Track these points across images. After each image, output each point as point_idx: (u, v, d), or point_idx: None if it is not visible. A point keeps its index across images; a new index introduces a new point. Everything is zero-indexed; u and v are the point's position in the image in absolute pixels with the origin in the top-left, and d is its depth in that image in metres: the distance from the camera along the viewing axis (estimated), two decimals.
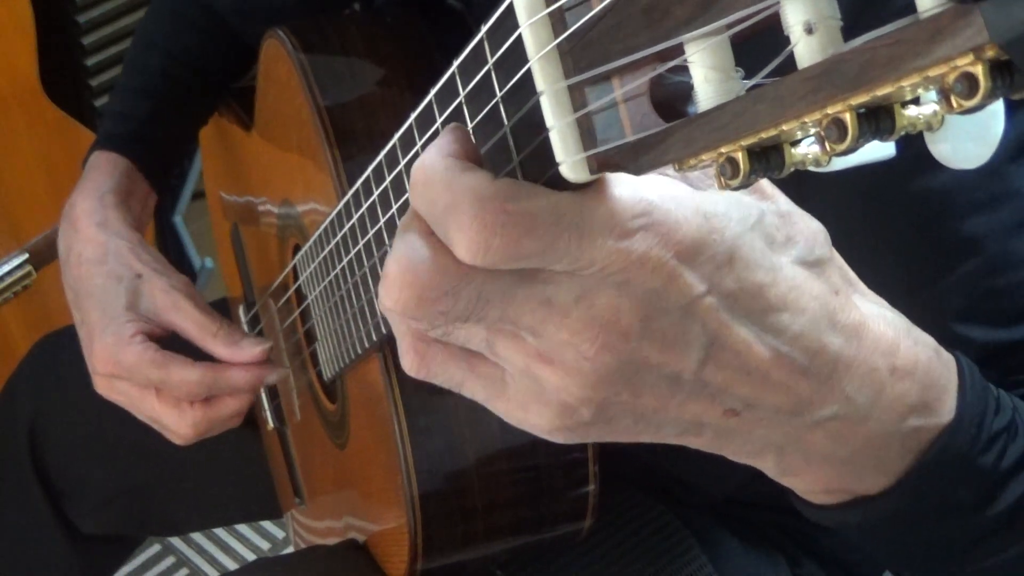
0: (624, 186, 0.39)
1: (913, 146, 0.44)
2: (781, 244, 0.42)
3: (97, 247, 0.91)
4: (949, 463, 0.49)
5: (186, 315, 0.88)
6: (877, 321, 0.45)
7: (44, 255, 1.20)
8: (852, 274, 0.46)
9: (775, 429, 0.45)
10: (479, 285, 0.39)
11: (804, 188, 0.63)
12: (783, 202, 0.43)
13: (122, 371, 0.87)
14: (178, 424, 0.88)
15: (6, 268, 1.19)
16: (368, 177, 0.59)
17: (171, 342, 0.89)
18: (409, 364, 0.44)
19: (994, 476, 0.51)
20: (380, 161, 0.56)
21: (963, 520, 0.52)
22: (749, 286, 0.40)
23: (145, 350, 0.87)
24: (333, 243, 0.70)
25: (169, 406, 0.88)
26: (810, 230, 0.43)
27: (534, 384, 0.41)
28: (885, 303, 0.47)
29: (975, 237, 0.59)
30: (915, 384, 0.47)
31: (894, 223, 0.62)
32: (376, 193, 0.58)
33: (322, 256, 0.75)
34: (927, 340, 0.48)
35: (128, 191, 0.97)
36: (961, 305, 0.61)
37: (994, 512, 0.52)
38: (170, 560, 1.80)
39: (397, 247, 0.41)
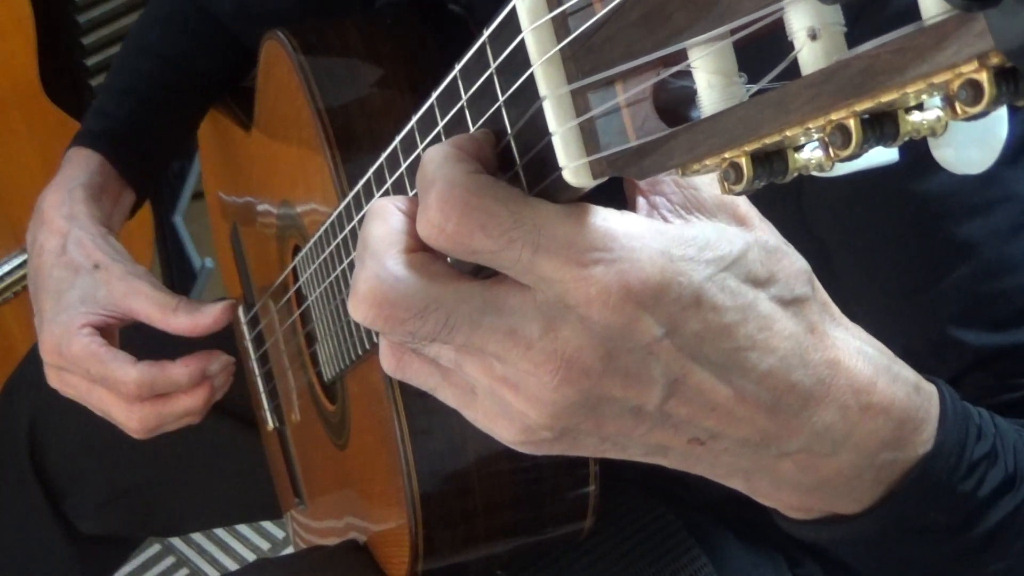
0: (593, 215, 0.39)
1: (910, 151, 0.44)
2: (761, 281, 0.42)
3: (58, 238, 0.91)
4: (926, 491, 0.49)
5: (144, 297, 0.87)
6: (855, 358, 0.45)
7: None
8: (835, 310, 0.46)
9: (741, 458, 0.45)
10: (447, 310, 0.40)
11: (803, 195, 0.64)
12: (771, 237, 0.43)
13: (67, 362, 0.87)
14: (127, 419, 0.87)
15: (6, 268, 1.19)
16: (369, 179, 0.59)
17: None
18: (386, 365, 0.45)
19: (973, 502, 0.51)
20: (382, 163, 0.56)
21: (942, 542, 0.53)
22: (715, 328, 0.40)
23: (90, 343, 0.86)
24: (334, 244, 0.70)
25: (117, 399, 0.86)
26: (794, 268, 0.43)
27: (500, 402, 0.42)
28: (868, 338, 0.47)
29: (970, 241, 0.59)
30: (889, 421, 0.47)
31: (890, 227, 0.62)
32: (377, 195, 0.58)
33: (322, 257, 0.75)
34: (907, 376, 0.48)
35: (100, 187, 0.96)
36: (956, 309, 0.61)
37: (974, 535, 0.52)
38: (170, 560, 1.79)
39: (368, 264, 0.41)
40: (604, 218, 0.39)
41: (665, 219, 0.41)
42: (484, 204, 0.39)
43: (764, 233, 0.43)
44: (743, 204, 0.42)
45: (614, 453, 0.44)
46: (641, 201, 0.41)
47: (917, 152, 0.39)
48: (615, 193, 0.42)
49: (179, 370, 0.85)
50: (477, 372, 0.42)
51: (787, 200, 0.64)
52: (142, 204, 1.04)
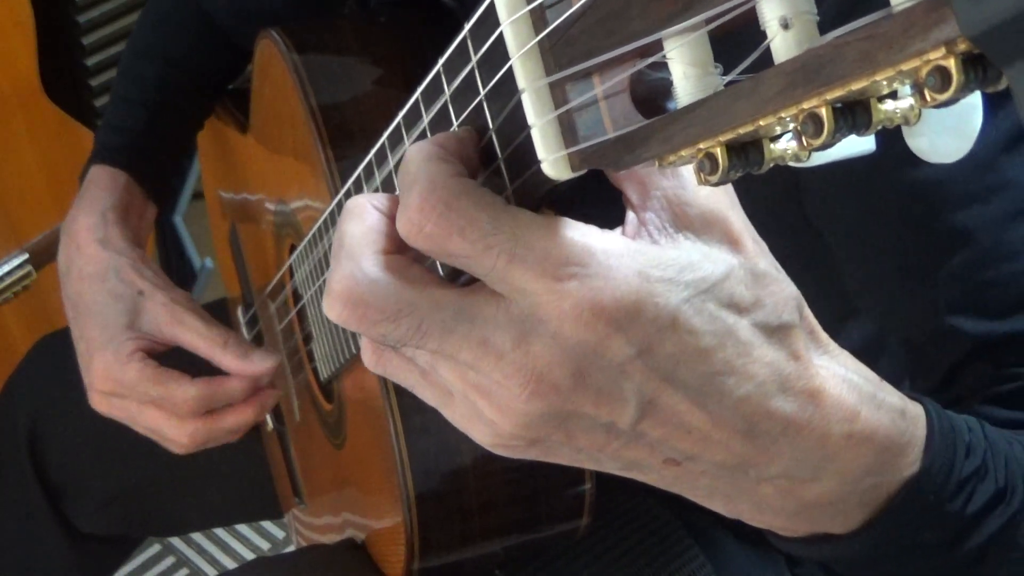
0: (573, 230, 0.39)
1: (904, 139, 0.43)
2: (743, 306, 0.41)
3: (99, 264, 0.92)
4: (914, 512, 0.49)
5: (190, 328, 0.89)
6: (839, 387, 0.44)
7: (44, 255, 1.20)
8: (822, 336, 0.45)
9: (720, 481, 0.44)
10: (420, 316, 0.40)
11: (802, 190, 0.63)
12: (763, 262, 0.42)
13: (122, 388, 0.89)
14: (177, 434, 0.89)
15: (6, 268, 1.20)
16: (359, 176, 0.59)
17: (172, 354, 0.90)
18: (367, 360, 0.45)
19: (964, 519, 0.51)
20: (371, 160, 0.56)
21: (934, 558, 0.52)
22: (691, 351, 0.40)
23: (144, 367, 0.88)
24: (326, 242, 0.70)
25: (169, 417, 0.89)
26: (783, 294, 0.42)
27: (473, 407, 0.42)
28: (854, 364, 0.47)
29: (967, 229, 0.59)
30: (873, 448, 0.46)
31: (888, 217, 0.62)
32: (366, 190, 0.58)
33: (316, 256, 0.75)
34: (892, 402, 0.47)
35: (127, 205, 0.98)
36: (954, 297, 0.61)
37: (966, 549, 0.51)
38: (170, 560, 1.79)
39: (345, 262, 0.42)
40: (584, 234, 0.39)
41: (651, 236, 0.40)
42: (464, 208, 0.39)
43: (754, 256, 0.42)
44: (737, 223, 0.42)
45: (590, 464, 0.44)
46: (631, 216, 0.41)
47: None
48: (609, 206, 0.42)
49: (235, 383, 0.88)
50: (451, 376, 0.42)
51: (786, 195, 0.64)
52: (159, 214, 1.06)
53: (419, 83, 0.48)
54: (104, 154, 1.00)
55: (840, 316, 0.66)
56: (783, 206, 0.65)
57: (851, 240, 0.64)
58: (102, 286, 0.91)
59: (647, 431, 0.41)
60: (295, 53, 0.80)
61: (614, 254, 0.39)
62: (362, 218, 0.42)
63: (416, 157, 0.40)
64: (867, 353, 0.50)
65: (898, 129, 0.34)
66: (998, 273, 0.60)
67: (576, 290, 0.38)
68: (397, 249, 0.41)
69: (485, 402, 0.41)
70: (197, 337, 0.89)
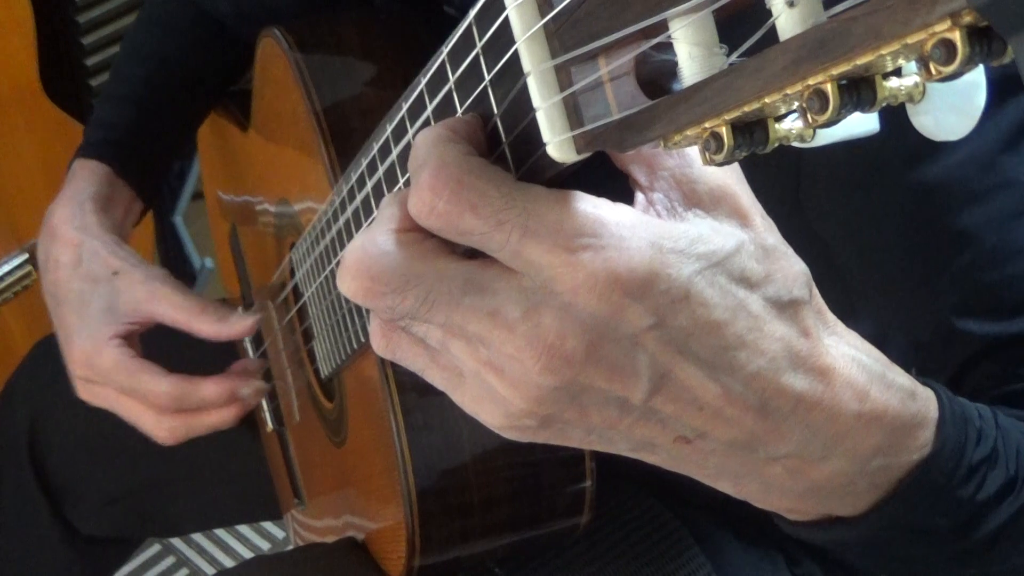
0: (585, 202, 0.39)
1: (907, 138, 0.43)
2: (754, 281, 0.41)
3: (73, 250, 0.91)
4: (924, 495, 0.49)
5: (167, 301, 0.88)
6: (849, 366, 0.45)
7: None
8: (830, 316, 0.45)
9: (729, 459, 0.44)
10: (427, 287, 0.40)
11: (802, 190, 0.64)
12: (771, 237, 0.42)
13: (98, 375, 0.88)
14: (155, 428, 0.88)
15: (6, 268, 1.20)
16: (363, 171, 0.59)
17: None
18: (376, 344, 0.45)
19: (974, 505, 0.51)
20: (374, 154, 0.56)
21: (943, 544, 0.52)
22: (704, 323, 0.40)
23: (120, 356, 0.87)
24: (328, 238, 0.71)
25: (146, 409, 0.88)
26: (792, 270, 0.43)
27: (485, 386, 0.42)
28: (863, 344, 0.47)
29: (971, 229, 0.59)
30: (882, 428, 0.46)
31: (890, 218, 0.62)
32: (370, 185, 0.58)
33: (318, 251, 0.75)
34: (901, 382, 0.47)
35: (108, 198, 0.97)
36: (959, 299, 0.61)
37: (976, 537, 0.51)
38: (170, 560, 1.79)
39: (358, 237, 0.42)
40: (595, 205, 0.39)
41: (660, 215, 0.40)
42: (475, 184, 0.39)
43: (763, 231, 0.42)
44: (745, 199, 0.42)
45: (600, 445, 0.44)
46: (639, 196, 0.41)
47: (913, 141, 0.39)
48: (618, 190, 0.42)
49: (210, 388, 0.87)
50: (463, 354, 0.42)
51: (786, 198, 0.64)
52: (148, 211, 1.05)
53: (422, 76, 0.48)
54: (87, 148, 0.99)
55: (840, 316, 0.67)
56: (782, 207, 0.65)
57: (852, 242, 0.64)
58: (77, 272, 0.90)
59: (659, 407, 0.41)
60: (297, 51, 0.80)
61: (626, 225, 0.39)
62: (389, 198, 0.43)
63: (426, 140, 0.40)
64: None
65: (900, 128, 0.35)
66: (1002, 273, 0.60)
67: (590, 261, 0.38)
68: (415, 229, 0.41)
69: (497, 378, 0.41)
70: (174, 309, 0.87)
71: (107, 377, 0.87)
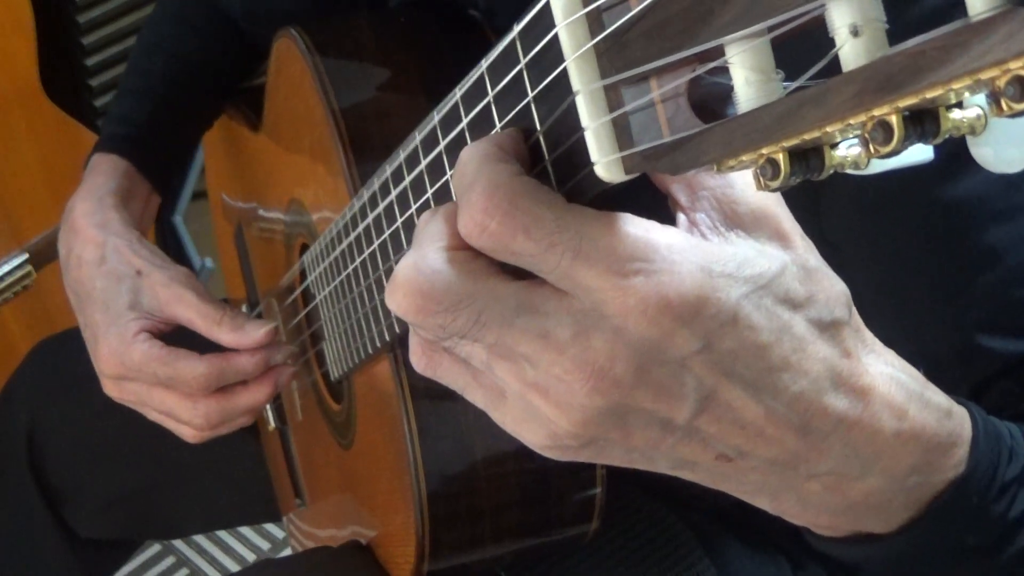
0: (636, 226, 0.39)
1: (934, 157, 0.44)
2: (798, 302, 0.41)
3: (96, 248, 0.91)
4: (958, 514, 0.49)
5: (189, 306, 0.87)
6: (888, 384, 0.45)
7: (44, 255, 1.20)
8: (868, 335, 0.46)
9: (769, 477, 0.45)
10: (479, 307, 0.40)
11: (822, 202, 0.64)
12: (812, 258, 0.43)
13: (129, 371, 0.87)
14: (191, 415, 0.87)
15: (6, 268, 1.19)
16: (387, 178, 0.59)
17: (180, 336, 0.89)
18: (417, 362, 0.45)
19: (1004, 524, 0.51)
20: (400, 163, 0.56)
21: (972, 563, 0.52)
22: (750, 346, 0.40)
23: (151, 348, 0.86)
24: (346, 243, 0.70)
25: (181, 398, 0.87)
26: (834, 291, 0.43)
27: (529, 407, 0.42)
28: (901, 363, 0.47)
29: (996, 248, 0.59)
30: (919, 447, 0.46)
31: (914, 234, 0.62)
32: (394, 193, 0.58)
33: (333, 256, 0.75)
34: (939, 401, 0.48)
35: (128, 192, 0.97)
36: (982, 316, 0.61)
37: (1005, 556, 0.52)
38: (170, 560, 1.79)
39: (411, 253, 0.42)
40: (647, 229, 0.39)
41: (704, 236, 0.41)
42: (528, 207, 0.39)
43: (804, 253, 0.42)
44: (786, 221, 0.42)
45: (642, 464, 0.44)
46: (681, 218, 0.41)
47: (941, 158, 0.39)
48: (657, 209, 0.42)
49: (245, 358, 0.86)
50: (508, 375, 0.42)
51: (804, 211, 0.64)
52: (162, 206, 1.05)
53: (439, 85, 0.48)
54: (106, 143, 0.99)
55: None
56: (801, 221, 0.65)
57: (871, 256, 0.65)
58: (101, 269, 0.90)
59: (702, 427, 0.42)
60: (315, 53, 0.80)
61: (677, 249, 0.39)
62: (434, 214, 0.43)
63: (474, 157, 0.40)
64: None
65: (952, 137, 0.35)
66: None
67: (642, 286, 0.38)
68: (464, 246, 0.41)
69: (543, 400, 0.41)
70: (195, 314, 0.87)
71: (139, 371, 0.86)
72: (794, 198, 0.48)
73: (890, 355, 0.46)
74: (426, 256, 0.41)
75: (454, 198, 0.43)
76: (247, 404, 0.88)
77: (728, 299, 0.39)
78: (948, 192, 0.58)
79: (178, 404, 0.87)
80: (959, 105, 0.30)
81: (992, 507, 0.50)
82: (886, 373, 0.45)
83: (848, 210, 0.63)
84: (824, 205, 0.64)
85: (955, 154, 0.41)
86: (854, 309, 0.44)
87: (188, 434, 0.89)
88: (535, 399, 0.41)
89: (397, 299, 0.41)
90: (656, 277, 0.38)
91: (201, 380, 0.85)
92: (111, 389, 0.90)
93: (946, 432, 0.47)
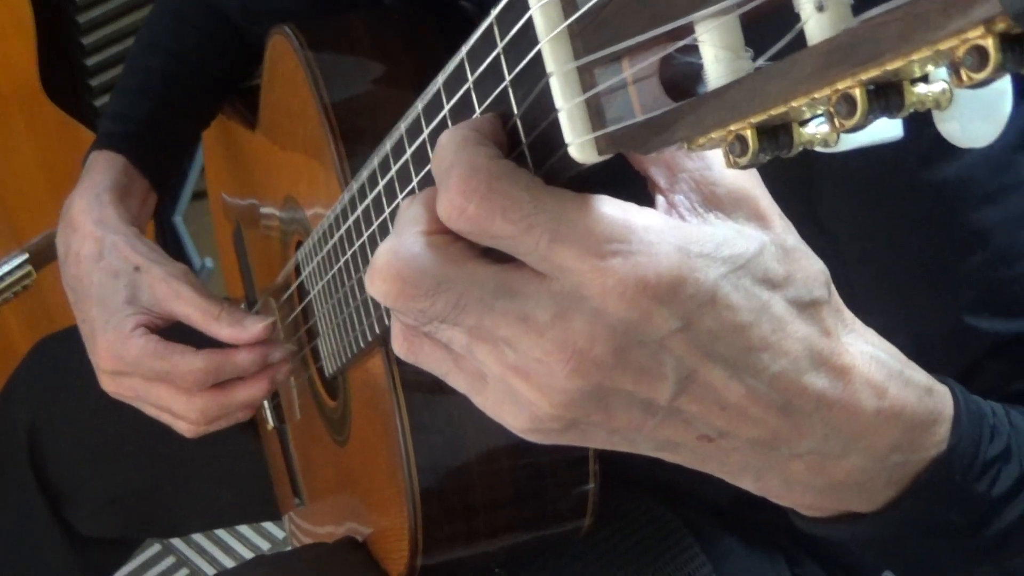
0: (614, 207, 0.39)
1: (922, 139, 0.44)
2: (776, 282, 0.42)
3: (94, 243, 0.91)
4: (941, 492, 0.49)
5: (186, 301, 0.87)
6: (868, 363, 0.45)
7: (44, 255, 1.20)
8: (848, 314, 0.46)
9: (751, 457, 0.45)
10: (459, 291, 0.41)
11: (814, 187, 0.64)
12: (791, 238, 0.43)
13: (126, 366, 0.87)
14: (187, 410, 0.87)
15: (6, 268, 1.20)
16: (375, 169, 0.59)
17: (178, 333, 0.89)
18: (398, 348, 0.45)
19: (988, 501, 0.51)
20: (387, 153, 0.56)
21: (956, 540, 0.53)
22: (729, 326, 0.40)
23: (147, 343, 0.86)
24: (337, 236, 0.71)
25: (177, 392, 0.87)
26: (812, 270, 0.43)
27: (510, 390, 0.42)
28: (880, 342, 0.47)
29: (984, 228, 0.59)
30: (900, 425, 0.47)
31: (903, 217, 0.62)
32: (381, 184, 0.58)
33: (326, 250, 0.75)
34: (919, 379, 0.48)
35: (126, 189, 0.97)
36: (971, 297, 0.61)
37: (989, 533, 0.52)
38: (170, 560, 1.79)
39: (390, 239, 0.42)
40: (625, 211, 0.39)
41: (683, 218, 0.41)
42: (506, 189, 0.39)
43: (783, 233, 0.43)
44: (764, 201, 0.42)
45: (623, 446, 0.44)
46: (660, 200, 0.41)
47: (927, 141, 0.39)
48: (637, 192, 0.42)
49: (243, 355, 0.86)
50: (489, 359, 0.42)
51: (798, 194, 0.64)
52: (161, 204, 1.05)
53: (434, 77, 0.48)
54: (104, 140, 0.99)
55: None
56: (793, 206, 0.65)
57: (865, 241, 0.65)
58: (98, 265, 0.90)
59: (684, 407, 0.42)
60: (308, 49, 0.80)
61: (655, 230, 0.39)
62: (414, 200, 0.43)
63: (452, 141, 0.41)
64: None
65: (919, 127, 0.35)
66: (1015, 272, 0.60)
67: (620, 267, 0.38)
68: (442, 230, 0.41)
69: (523, 382, 0.41)
70: (193, 310, 0.87)
71: (136, 366, 0.87)
72: (788, 184, 0.48)
73: (870, 334, 0.46)
74: (404, 241, 0.41)
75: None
76: (244, 400, 0.88)
77: (706, 279, 0.39)
78: (936, 174, 0.59)
79: (174, 399, 0.87)
80: (924, 79, 0.30)
81: (975, 485, 0.50)
82: (866, 352, 0.45)
83: (841, 195, 0.63)
84: (817, 190, 0.64)
85: (942, 136, 0.41)
86: (833, 288, 0.45)
87: (184, 428, 0.89)
88: (516, 382, 0.41)
89: (376, 284, 0.41)
90: (634, 258, 0.38)
91: (198, 375, 0.85)
92: (108, 384, 0.90)
93: (927, 410, 0.47)
